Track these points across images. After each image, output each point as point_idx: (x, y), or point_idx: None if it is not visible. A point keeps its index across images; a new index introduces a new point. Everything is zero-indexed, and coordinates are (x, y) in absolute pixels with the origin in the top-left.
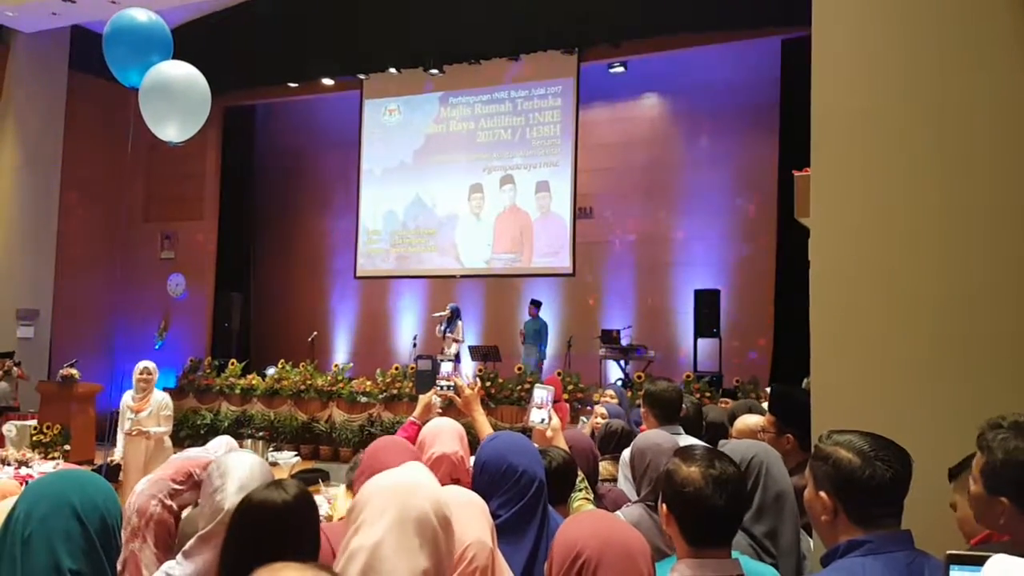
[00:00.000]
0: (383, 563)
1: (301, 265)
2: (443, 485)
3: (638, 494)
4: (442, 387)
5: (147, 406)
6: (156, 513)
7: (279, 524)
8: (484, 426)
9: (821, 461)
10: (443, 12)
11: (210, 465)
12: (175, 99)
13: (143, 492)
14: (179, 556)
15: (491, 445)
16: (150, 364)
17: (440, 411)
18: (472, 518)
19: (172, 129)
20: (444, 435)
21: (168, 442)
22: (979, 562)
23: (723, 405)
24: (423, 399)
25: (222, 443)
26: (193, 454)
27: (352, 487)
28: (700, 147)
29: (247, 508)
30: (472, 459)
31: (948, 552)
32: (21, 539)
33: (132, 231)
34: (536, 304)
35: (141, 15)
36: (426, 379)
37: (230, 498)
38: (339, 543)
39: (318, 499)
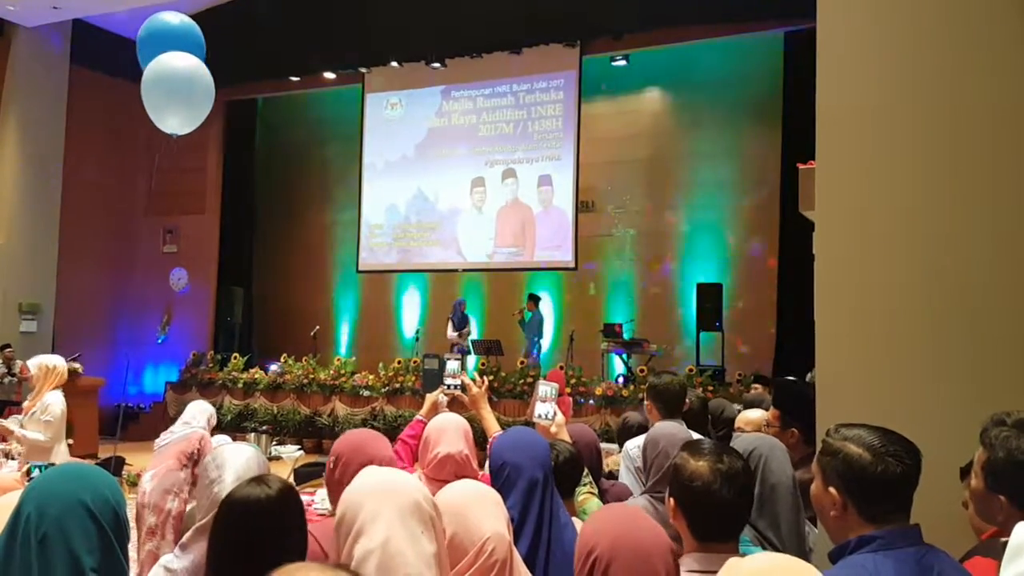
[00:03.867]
0: (397, 556)
1: (303, 259)
2: (450, 481)
3: (645, 484)
4: (449, 386)
5: (34, 407)
6: (174, 508)
7: (262, 521)
8: (492, 424)
9: (830, 456)
10: (445, 6)
11: (206, 458)
12: (178, 90)
13: (155, 490)
14: (177, 549)
15: (496, 443)
16: (32, 361)
17: (446, 410)
18: (488, 511)
19: (175, 120)
20: (448, 434)
21: (63, 453)
22: None
23: (755, 389)
24: (430, 398)
25: (195, 410)
26: (179, 433)
27: (332, 484)
28: (702, 140)
29: (229, 505)
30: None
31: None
32: (36, 540)
33: (134, 225)
34: (534, 299)
35: (173, 18)
36: (433, 378)
37: (227, 489)
38: (328, 542)
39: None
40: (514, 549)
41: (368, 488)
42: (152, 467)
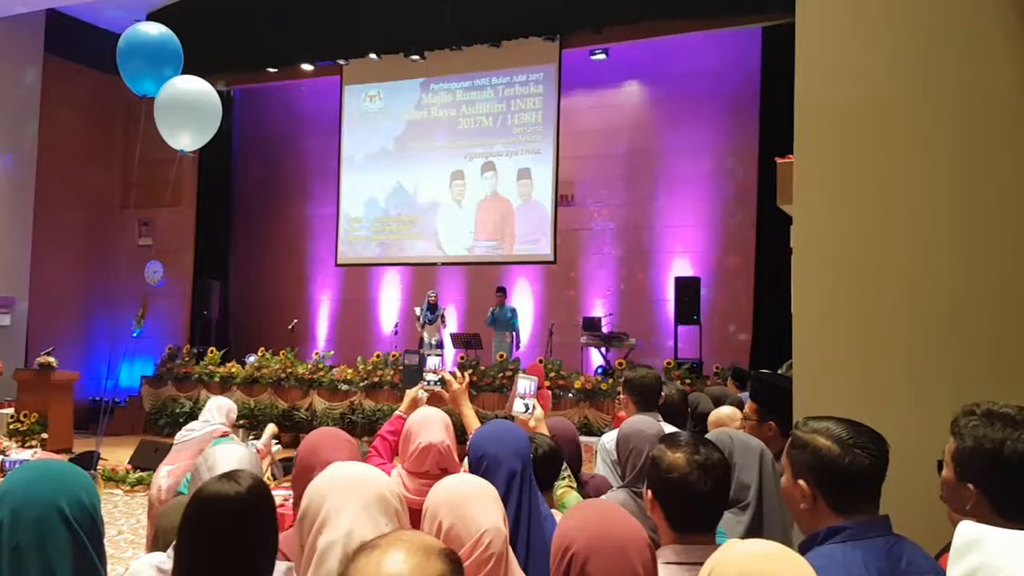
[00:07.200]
0: None
1: (281, 252)
2: (431, 475)
3: (622, 479)
4: (429, 382)
5: None
6: None
7: (232, 517)
8: (472, 420)
9: (799, 449)
10: None
11: (198, 458)
12: (190, 113)
13: (172, 487)
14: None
15: (475, 435)
16: None
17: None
18: (486, 505)
19: (187, 139)
20: (430, 425)
21: None
22: None
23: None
24: (410, 393)
25: (213, 407)
26: (199, 430)
27: (293, 485)
28: (681, 134)
29: (199, 502)
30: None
31: None
32: (9, 548)
33: (109, 218)
34: (502, 291)
35: (153, 29)
36: (413, 374)
37: None
38: (291, 551)
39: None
40: (509, 545)
41: (332, 481)
42: (169, 462)
